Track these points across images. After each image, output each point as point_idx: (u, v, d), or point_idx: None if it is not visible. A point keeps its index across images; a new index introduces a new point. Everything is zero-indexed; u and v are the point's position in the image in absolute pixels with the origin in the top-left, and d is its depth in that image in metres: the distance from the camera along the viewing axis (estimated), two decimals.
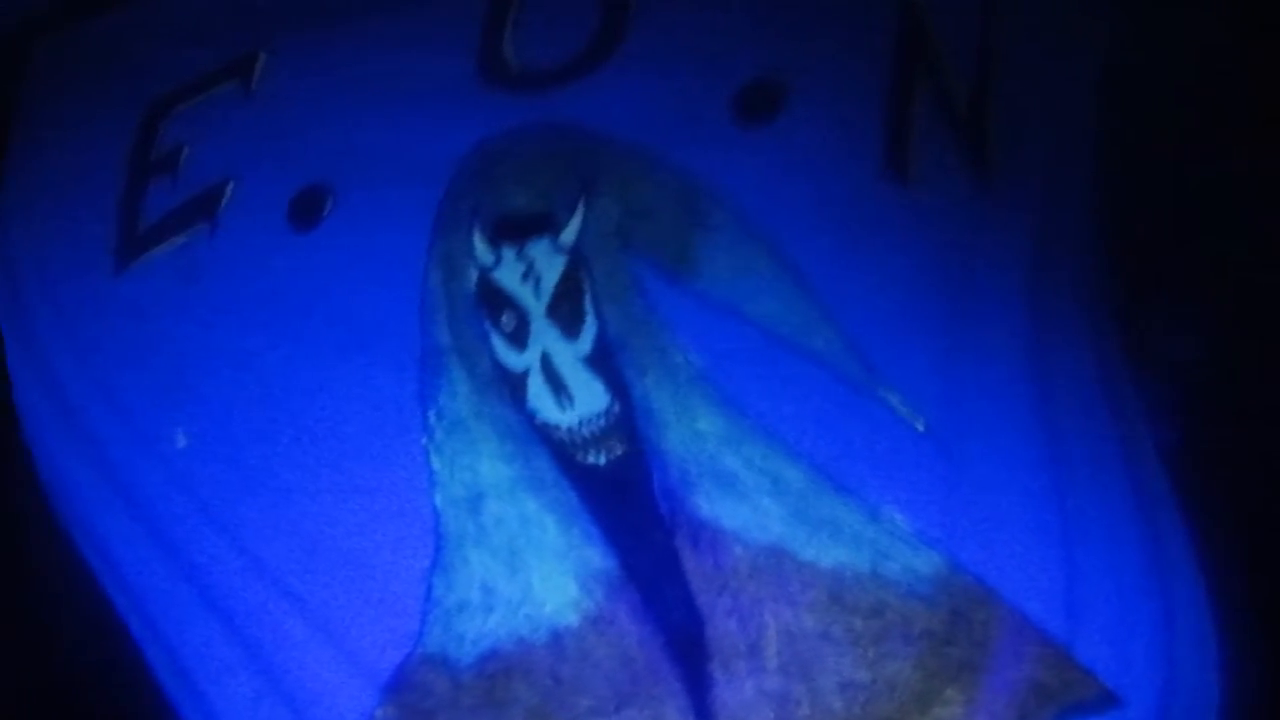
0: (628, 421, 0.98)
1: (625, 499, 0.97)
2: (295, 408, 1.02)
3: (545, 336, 0.99)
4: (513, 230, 1.01)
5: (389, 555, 0.99)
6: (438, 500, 0.99)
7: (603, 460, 0.98)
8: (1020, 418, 1.01)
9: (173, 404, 1.04)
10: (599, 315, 1.00)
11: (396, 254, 1.02)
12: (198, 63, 1.10)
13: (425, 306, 1.01)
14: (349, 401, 1.01)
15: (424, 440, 1.00)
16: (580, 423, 0.98)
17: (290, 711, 1.00)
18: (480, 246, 1.01)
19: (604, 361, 0.99)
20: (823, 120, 1.03)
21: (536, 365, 0.99)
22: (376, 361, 1.01)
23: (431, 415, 0.99)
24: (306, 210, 1.04)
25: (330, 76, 1.08)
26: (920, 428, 0.98)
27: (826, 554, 0.94)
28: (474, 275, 1.01)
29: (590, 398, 0.98)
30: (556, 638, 0.96)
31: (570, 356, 0.98)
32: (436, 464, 0.99)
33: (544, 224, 1.02)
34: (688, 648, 0.95)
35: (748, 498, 0.96)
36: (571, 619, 0.96)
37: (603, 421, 0.98)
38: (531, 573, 0.97)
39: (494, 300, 1.00)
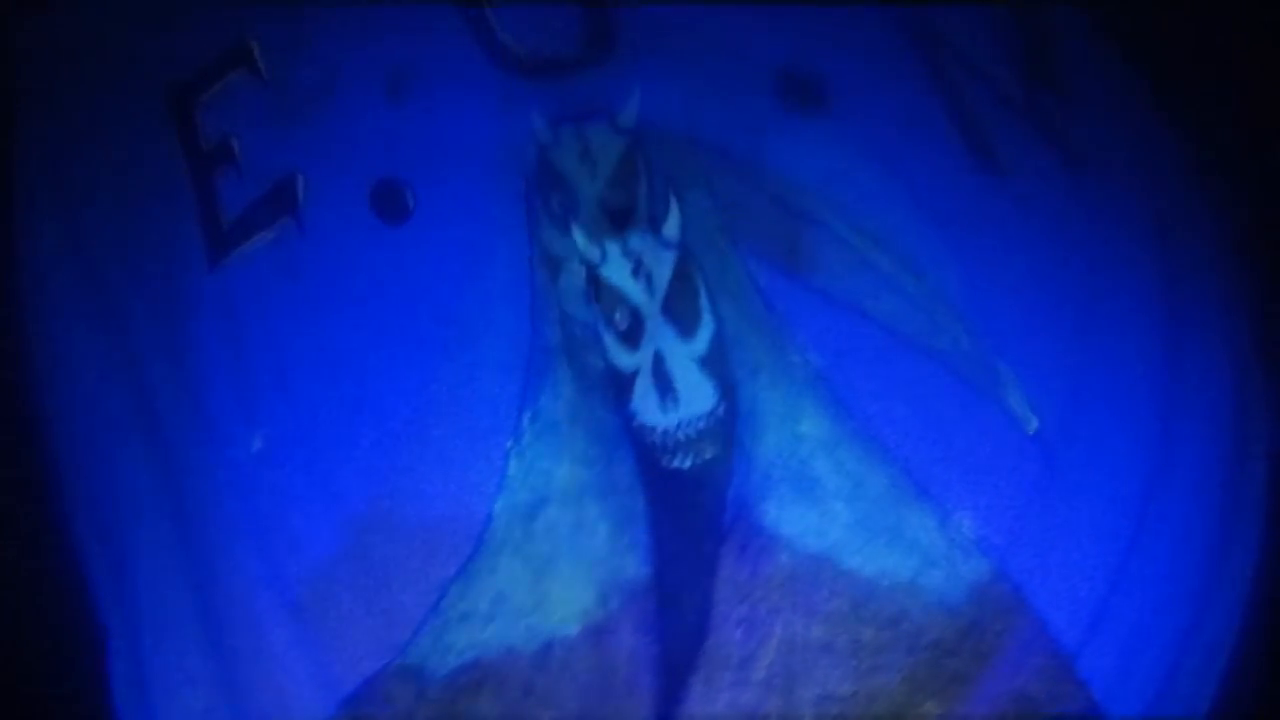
0: (728, 424, 0.97)
1: (696, 504, 0.97)
2: (386, 409, 1.00)
3: (660, 335, 0.97)
4: (610, 224, 0.99)
5: (418, 564, 0.98)
6: (497, 506, 0.98)
7: (688, 464, 0.97)
8: (1139, 423, 1.00)
9: (262, 403, 1.01)
10: (715, 313, 0.98)
11: (493, 250, 1.00)
12: (190, 50, 1.04)
13: (535, 305, 0.99)
14: (447, 403, 0.99)
15: (508, 443, 0.99)
16: (679, 425, 0.97)
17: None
18: (582, 241, 0.99)
19: (718, 361, 0.97)
20: (876, 111, 1.00)
21: (648, 365, 0.97)
22: (483, 361, 0.99)
23: (526, 417, 0.98)
24: (389, 205, 1.01)
25: (332, 66, 1.03)
26: (1031, 430, 0.97)
27: (872, 562, 0.94)
28: (581, 271, 0.99)
29: (697, 399, 0.96)
30: (546, 648, 0.95)
31: (685, 357, 0.97)
32: (513, 468, 0.98)
33: (638, 218, 0.99)
34: (680, 660, 0.94)
35: (821, 502, 0.95)
36: (572, 629, 0.95)
37: (702, 424, 0.97)
38: (555, 581, 0.96)
39: (605, 297, 0.98)
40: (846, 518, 0.94)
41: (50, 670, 1.02)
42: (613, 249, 0.98)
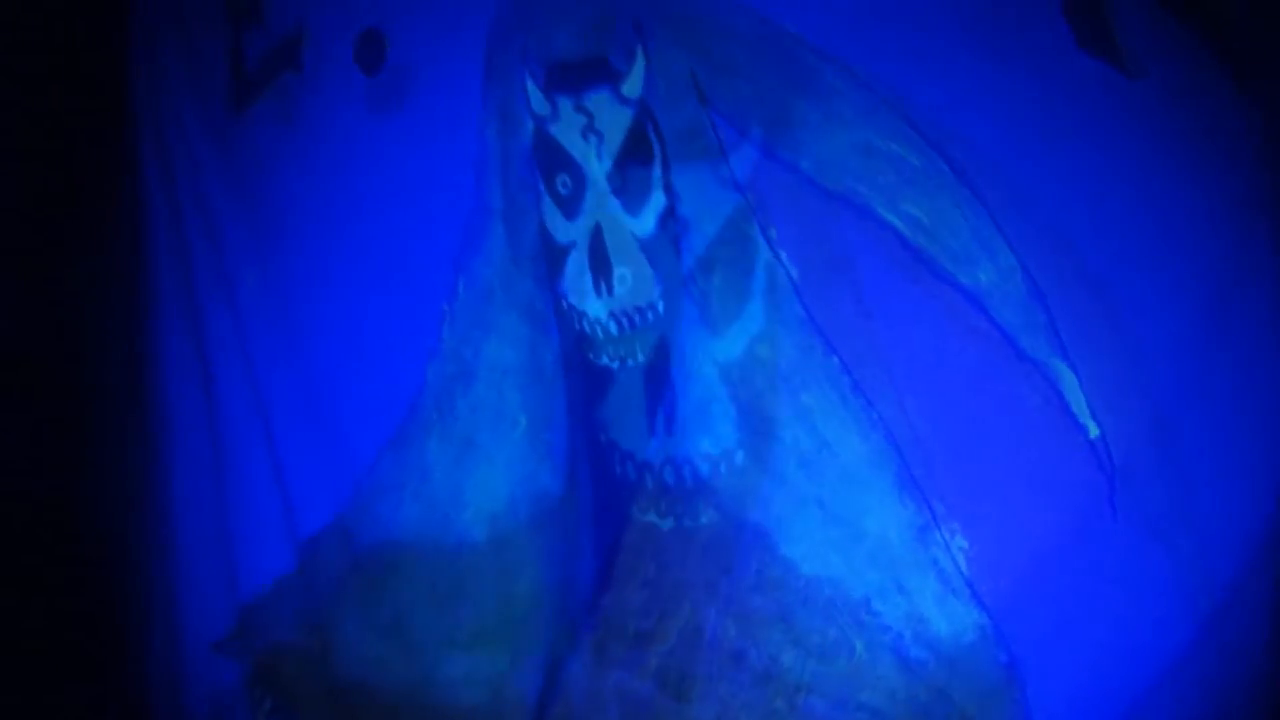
0: (667, 324, 0.83)
1: (618, 417, 0.84)
2: (356, 264, 0.95)
3: (603, 206, 0.86)
4: (566, 78, 0.88)
5: (362, 422, 0.93)
6: (430, 373, 0.91)
7: (616, 364, 0.85)
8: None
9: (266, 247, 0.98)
10: (668, 186, 0.85)
11: (451, 105, 0.93)
12: None
13: (480, 162, 0.90)
14: (397, 258, 0.93)
15: (445, 306, 0.91)
16: (611, 315, 0.84)
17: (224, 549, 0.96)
18: (535, 95, 0.89)
19: (665, 246, 0.84)
20: None
21: (584, 240, 0.86)
22: (433, 217, 0.92)
23: (462, 282, 0.90)
24: (368, 56, 0.95)
25: None
26: (1093, 433, 0.78)
27: (817, 559, 0.77)
28: (530, 128, 0.89)
29: (635, 288, 0.84)
30: (455, 547, 0.87)
31: (627, 234, 0.84)
32: (446, 333, 0.91)
33: (600, 71, 0.88)
34: (575, 608, 0.83)
35: (767, 460, 0.79)
36: (480, 534, 0.87)
37: (638, 319, 0.84)
38: (474, 470, 0.88)
39: (551, 158, 0.88)
40: (797, 490, 0.78)
41: None
42: (565, 105, 0.88)
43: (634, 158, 0.86)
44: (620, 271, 0.84)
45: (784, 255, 0.83)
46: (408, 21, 0.94)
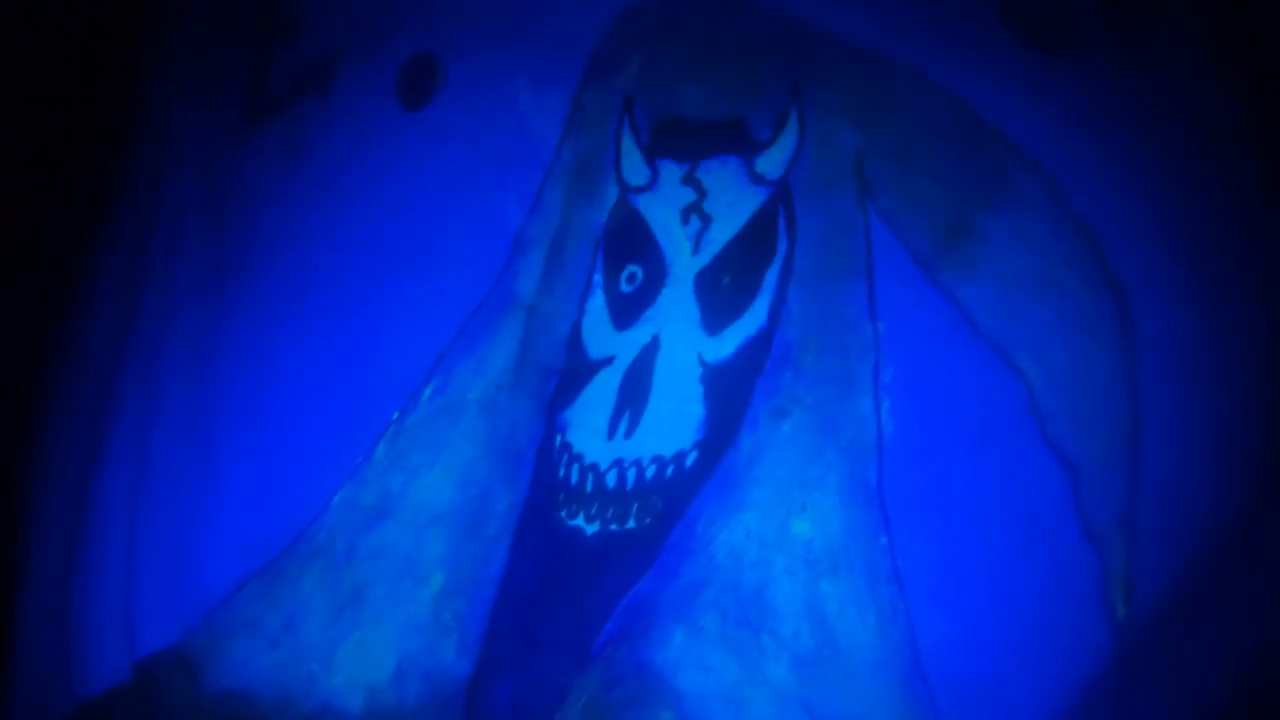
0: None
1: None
2: (356, 311, 0.84)
3: (673, 315, 0.73)
4: (681, 139, 0.74)
5: (321, 438, 0.83)
6: (337, 498, 0.83)
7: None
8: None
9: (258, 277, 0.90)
10: (780, 303, 0.72)
11: (511, 152, 0.80)
12: None
13: (524, 233, 0.77)
14: (385, 327, 0.83)
15: (394, 415, 0.81)
16: (620, 474, 0.72)
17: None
18: (631, 157, 0.74)
19: (737, 383, 0.72)
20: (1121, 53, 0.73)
21: (628, 358, 0.73)
22: (436, 293, 0.81)
23: (429, 388, 0.80)
24: (415, 84, 0.84)
25: None
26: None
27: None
28: (612, 196, 0.75)
29: (665, 433, 0.72)
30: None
31: (691, 360, 0.72)
32: (380, 452, 0.82)
33: (730, 136, 0.73)
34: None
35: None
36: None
37: (657, 469, 0.72)
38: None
39: (626, 240, 0.74)
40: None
41: None
42: (671, 173, 0.74)
43: (747, 256, 0.71)
44: (654, 412, 0.72)
45: (887, 413, 0.72)
46: (455, 55, 0.83)
